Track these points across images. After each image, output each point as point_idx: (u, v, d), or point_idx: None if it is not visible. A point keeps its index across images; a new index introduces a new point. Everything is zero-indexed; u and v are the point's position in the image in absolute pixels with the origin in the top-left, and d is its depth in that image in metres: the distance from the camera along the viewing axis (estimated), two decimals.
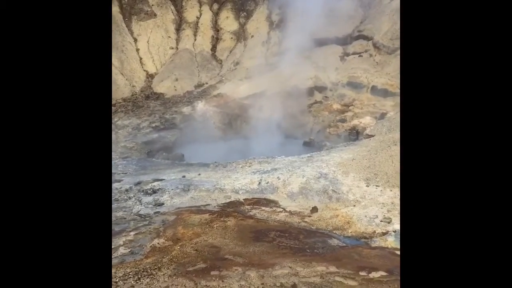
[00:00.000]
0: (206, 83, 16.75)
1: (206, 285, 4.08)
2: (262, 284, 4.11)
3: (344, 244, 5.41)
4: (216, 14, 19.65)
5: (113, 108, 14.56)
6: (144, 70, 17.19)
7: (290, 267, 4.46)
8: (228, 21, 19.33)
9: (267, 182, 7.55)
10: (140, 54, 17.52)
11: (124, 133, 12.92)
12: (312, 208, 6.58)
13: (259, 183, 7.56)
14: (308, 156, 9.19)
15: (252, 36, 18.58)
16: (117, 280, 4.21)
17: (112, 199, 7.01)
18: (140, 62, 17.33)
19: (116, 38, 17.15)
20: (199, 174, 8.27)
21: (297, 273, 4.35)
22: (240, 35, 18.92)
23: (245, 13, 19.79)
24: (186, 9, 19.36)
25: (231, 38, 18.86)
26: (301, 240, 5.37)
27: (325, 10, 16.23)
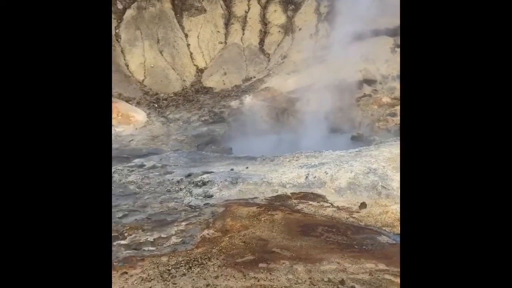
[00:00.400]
0: (254, 77, 16.86)
1: (255, 276, 4.17)
2: (310, 278, 4.15)
3: (394, 242, 5.30)
4: (264, 8, 19.64)
5: (164, 102, 15.07)
6: (194, 65, 17.58)
7: (338, 263, 4.46)
8: (276, 15, 19.27)
9: (315, 177, 7.53)
10: (191, 49, 17.92)
11: (175, 126, 13.34)
12: (361, 203, 6.49)
13: (306, 177, 7.55)
14: (356, 151, 9.03)
15: (300, 29, 18.40)
16: (169, 268, 4.42)
17: (165, 190, 7.32)
18: (191, 57, 17.74)
19: (168, 34, 17.67)
20: (247, 168, 8.40)
21: (345, 269, 4.34)
22: (288, 28, 18.81)
23: (293, 6, 19.63)
24: (235, 3, 19.53)
25: (279, 31, 18.81)
26: (349, 236, 5.33)
27: (375, 1, 15.72)
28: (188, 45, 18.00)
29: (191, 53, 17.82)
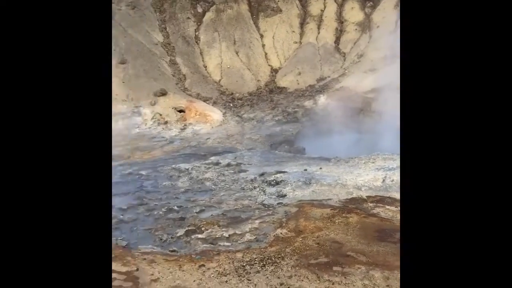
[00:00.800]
0: (329, 77, 16.60)
1: (329, 279, 4.11)
2: (388, 286, 3.99)
3: None
4: (340, 6, 19.26)
5: (239, 101, 15.44)
6: (269, 65, 17.77)
7: None
8: (353, 12, 18.79)
9: (392, 180, 7.22)
10: (266, 49, 18.15)
11: (249, 125, 13.60)
12: None
13: (383, 180, 7.26)
14: None
15: (378, 27, 17.74)
16: (244, 264, 4.51)
17: (239, 187, 7.49)
18: (265, 57, 17.96)
19: (244, 35, 18.08)
20: (320, 168, 8.29)
21: None
22: (365, 26, 18.24)
23: (371, 3, 18.99)
24: (310, 2, 19.39)
25: (356, 29, 18.31)
26: None
27: None
28: (263, 45, 18.25)
29: (266, 53, 18.04)
